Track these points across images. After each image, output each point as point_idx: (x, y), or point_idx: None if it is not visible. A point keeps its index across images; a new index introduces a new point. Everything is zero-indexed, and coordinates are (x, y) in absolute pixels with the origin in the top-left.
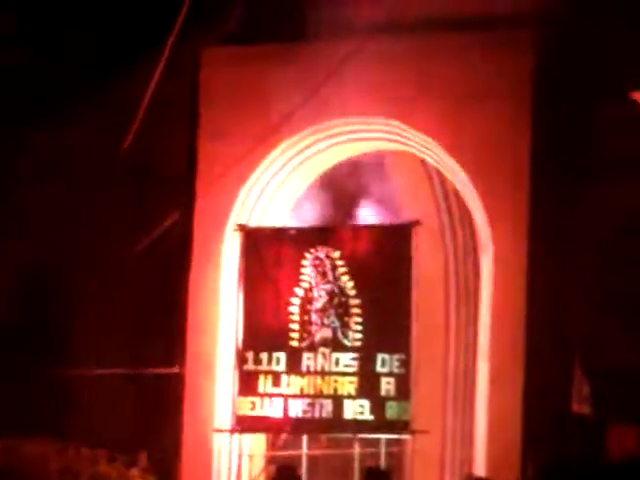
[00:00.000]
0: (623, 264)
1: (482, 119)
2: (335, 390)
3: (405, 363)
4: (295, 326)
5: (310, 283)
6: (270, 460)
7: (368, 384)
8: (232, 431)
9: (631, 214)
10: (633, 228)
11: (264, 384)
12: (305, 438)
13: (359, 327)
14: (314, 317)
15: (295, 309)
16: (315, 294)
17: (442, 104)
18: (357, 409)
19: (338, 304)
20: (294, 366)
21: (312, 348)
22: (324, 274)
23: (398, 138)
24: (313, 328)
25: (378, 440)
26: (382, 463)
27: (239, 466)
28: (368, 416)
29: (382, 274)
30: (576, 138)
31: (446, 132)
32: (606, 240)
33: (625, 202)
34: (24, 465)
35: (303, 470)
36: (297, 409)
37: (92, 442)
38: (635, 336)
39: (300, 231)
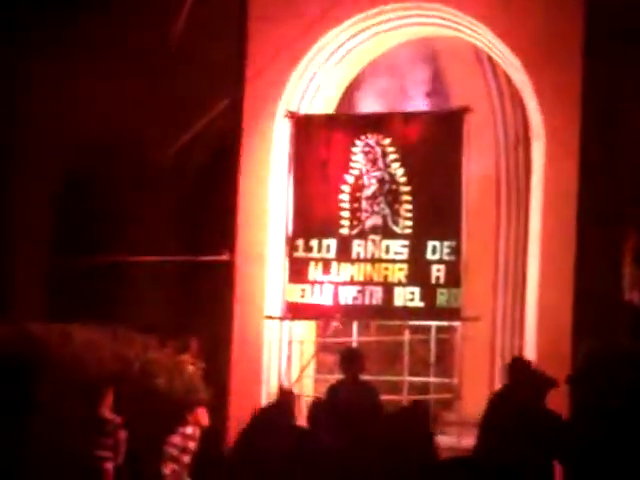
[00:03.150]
0: None
1: (536, 2)
2: (385, 277)
3: (455, 250)
4: (345, 213)
5: (360, 170)
6: (320, 347)
7: (418, 271)
8: (282, 318)
9: None
10: None
11: (314, 271)
12: (355, 325)
13: (409, 214)
14: (364, 204)
15: (345, 196)
16: (365, 181)
17: None
18: (407, 296)
19: (388, 191)
20: (344, 253)
21: (362, 235)
22: (374, 161)
23: (450, 24)
24: (363, 215)
25: (428, 327)
26: (432, 350)
27: (289, 353)
28: (418, 303)
29: (433, 161)
30: (632, 20)
31: (498, 17)
32: None
33: None
34: (78, 350)
35: None
36: (347, 296)
37: (143, 329)
38: None
39: (350, 118)
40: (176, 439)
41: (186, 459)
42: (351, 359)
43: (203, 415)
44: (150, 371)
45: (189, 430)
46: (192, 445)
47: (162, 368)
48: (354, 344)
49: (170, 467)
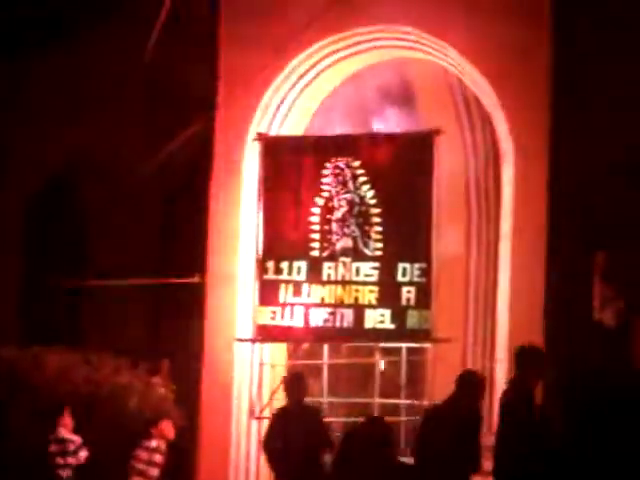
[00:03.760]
0: None
1: (503, 25)
2: (356, 299)
3: (426, 272)
4: (315, 235)
5: (330, 192)
6: (291, 369)
7: (389, 293)
8: (253, 340)
9: None
10: None
11: (285, 293)
12: (326, 347)
13: (380, 236)
14: (334, 227)
15: (315, 219)
16: (335, 204)
17: (463, 11)
18: (378, 318)
19: (358, 213)
20: (315, 275)
21: (333, 258)
22: (344, 183)
23: (419, 46)
24: (334, 237)
25: (399, 349)
26: (403, 372)
27: (260, 375)
28: (389, 325)
29: (403, 183)
30: (599, 40)
31: (467, 39)
32: (631, 141)
33: None
34: (49, 374)
35: (324, 379)
36: (318, 318)
37: (114, 352)
38: None
39: (320, 140)
40: (141, 453)
41: (154, 472)
42: (295, 384)
43: (168, 428)
44: (121, 393)
45: (154, 443)
46: (159, 458)
47: (133, 390)
48: (324, 366)
49: None
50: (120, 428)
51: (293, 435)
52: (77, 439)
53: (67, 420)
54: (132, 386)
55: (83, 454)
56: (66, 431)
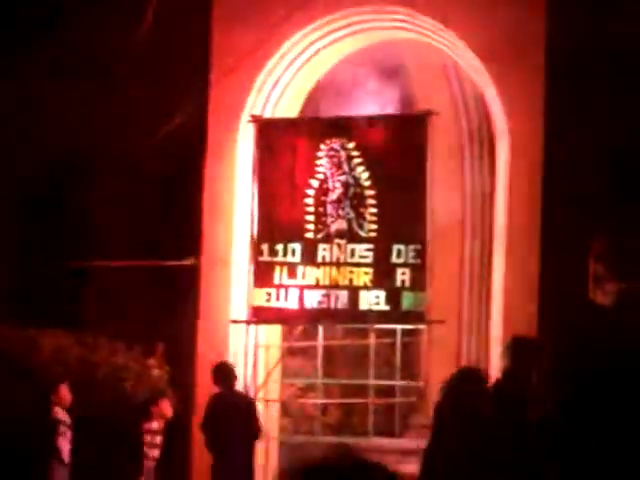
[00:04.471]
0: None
1: (497, 5)
2: (351, 281)
3: (420, 253)
4: (310, 217)
5: (325, 174)
6: (286, 351)
7: (384, 275)
8: (248, 322)
9: None
10: None
11: (280, 275)
12: (321, 329)
13: (374, 218)
14: (329, 208)
15: (310, 200)
16: (330, 185)
17: None
18: (373, 300)
19: (353, 195)
20: (310, 257)
21: (327, 239)
22: (339, 165)
23: (413, 27)
24: (328, 219)
25: (394, 330)
26: (398, 353)
27: (255, 357)
28: (384, 306)
29: (397, 164)
30: (593, 22)
31: (461, 20)
32: (625, 127)
33: None
34: (42, 356)
35: (319, 360)
36: (313, 300)
37: (109, 333)
38: None
39: (314, 122)
40: (145, 435)
41: (155, 453)
42: (224, 372)
43: (167, 407)
44: (116, 375)
45: (155, 425)
46: (159, 439)
47: (128, 372)
48: (319, 348)
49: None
50: (116, 409)
51: (229, 420)
52: (67, 419)
53: (64, 394)
54: (128, 368)
55: (68, 435)
56: (61, 410)
